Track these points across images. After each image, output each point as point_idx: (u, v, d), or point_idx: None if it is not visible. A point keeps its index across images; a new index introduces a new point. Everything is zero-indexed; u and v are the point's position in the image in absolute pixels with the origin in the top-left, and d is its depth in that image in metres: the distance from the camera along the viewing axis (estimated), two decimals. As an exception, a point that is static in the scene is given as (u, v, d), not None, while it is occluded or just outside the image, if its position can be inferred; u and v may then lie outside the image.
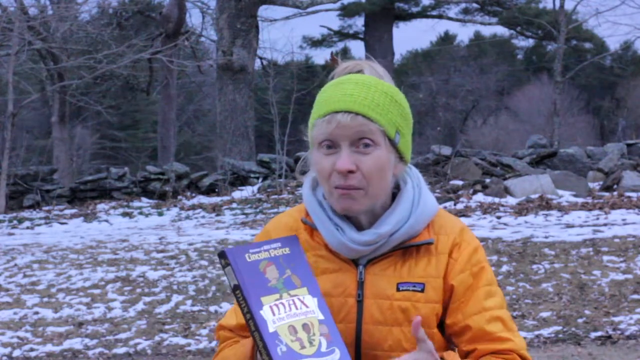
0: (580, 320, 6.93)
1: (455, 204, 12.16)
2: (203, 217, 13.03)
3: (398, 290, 1.87)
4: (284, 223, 1.99)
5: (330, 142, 1.84)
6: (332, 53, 2.04)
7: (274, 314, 1.67)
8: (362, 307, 1.88)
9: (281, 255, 1.74)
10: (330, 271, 1.91)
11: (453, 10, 31.17)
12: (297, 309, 1.69)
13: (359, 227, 1.90)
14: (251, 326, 1.67)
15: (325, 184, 1.87)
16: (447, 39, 39.21)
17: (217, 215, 13.06)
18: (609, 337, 6.56)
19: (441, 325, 1.92)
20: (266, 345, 1.63)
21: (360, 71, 1.93)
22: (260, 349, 1.65)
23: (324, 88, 1.92)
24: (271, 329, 1.65)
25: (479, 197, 12.54)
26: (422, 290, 1.88)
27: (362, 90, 1.84)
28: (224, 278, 8.53)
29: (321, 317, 1.70)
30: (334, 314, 1.88)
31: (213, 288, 8.24)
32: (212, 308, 7.72)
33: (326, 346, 1.67)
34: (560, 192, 12.54)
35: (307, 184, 1.98)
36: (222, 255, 1.70)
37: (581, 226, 10.17)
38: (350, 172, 1.82)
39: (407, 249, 1.90)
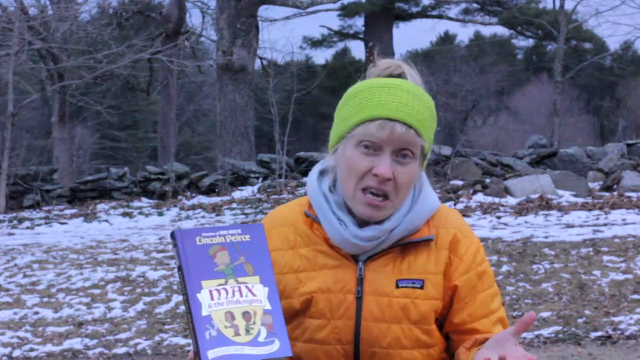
0: (580, 320, 6.93)
1: (455, 204, 12.16)
2: (203, 217, 13.03)
3: (397, 287, 1.87)
4: (282, 216, 1.99)
5: (372, 143, 1.83)
6: (370, 46, 2.05)
7: (212, 299, 1.63)
8: (362, 303, 1.87)
9: (239, 242, 1.69)
10: (329, 267, 1.90)
11: (453, 10, 31.18)
12: (241, 296, 1.65)
13: (361, 222, 1.90)
14: (186, 307, 1.64)
15: (353, 182, 1.86)
16: (447, 39, 39.20)
17: (217, 215, 13.06)
18: (609, 337, 6.56)
19: (437, 322, 1.92)
20: (194, 327, 1.61)
21: (401, 74, 1.92)
22: (190, 331, 1.63)
23: (368, 85, 1.89)
24: (204, 313, 1.62)
25: (479, 197, 12.54)
26: (422, 287, 1.88)
27: (415, 102, 1.85)
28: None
29: (268, 307, 1.66)
30: (333, 310, 1.88)
31: (213, 288, 8.24)
32: (212, 308, 7.72)
33: (265, 336, 1.63)
34: (560, 192, 12.54)
35: (313, 176, 1.97)
36: (172, 235, 1.68)
37: (581, 226, 10.18)
38: (388, 179, 1.83)
39: (407, 245, 1.90)
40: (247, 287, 1.66)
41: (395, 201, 1.86)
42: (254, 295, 1.66)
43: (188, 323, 1.64)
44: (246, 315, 1.64)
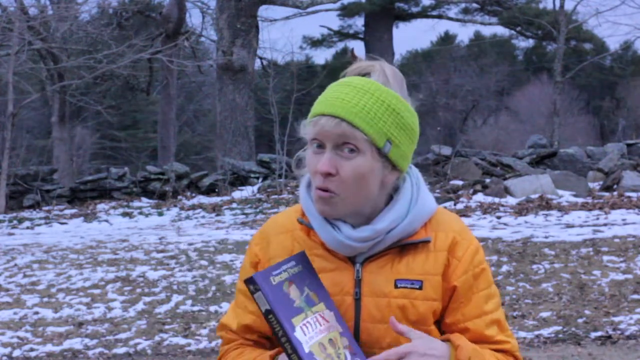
0: (580, 320, 6.93)
1: (455, 204, 12.16)
2: (203, 217, 13.03)
3: (396, 287, 1.87)
4: (280, 224, 2.00)
5: (316, 141, 1.85)
6: (352, 50, 2.05)
7: (305, 334, 1.71)
8: (360, 305, 1.88)
9: (297, 273, 1.78)
10: (327, 270, 1.90)
11: (453, 10, 31.18)
12: (320, 325, 1.74)
13: (356, 225, 1.89)
14: (288, 349, 1.71)
15: (312, 182, 1.88)
16: (447, 39, 39.22)
17: (217, 215, 13.06)
18: (609, 337, 6.56)
19: (436, 322, 1.92)
20: None
21: (368, 74, 1.91)
22: None
23: (328, 86, 1.92)
24: (307, 350, 1.70)
25: (479, 197, 12.54)
26: (420, 288, 1.88)
27: (356, 95, 1.83)
28: (224, 278, 8.54)
29: (340, 329, 1.76)
30: None
31: (213, 288, 8.25)
32: (212, 308, 7.73)
33: (350, 358, 1.73)
34: (560, 192, 12.54)
35: (303, 183, 1.98)
36: (250, 281, 1.73)
37: (581, 226, 10.18)
38: (329, 174, 1.82)
39: (404, 246, 1.90)
40: (320, 315, 1.76)
41: (346, 197, 1.84)
42: (327, 321, 1.76)
43: None
44: (331, 342, 1.74)
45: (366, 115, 1.82)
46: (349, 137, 1.81)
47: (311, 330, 1.72)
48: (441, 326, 1.93)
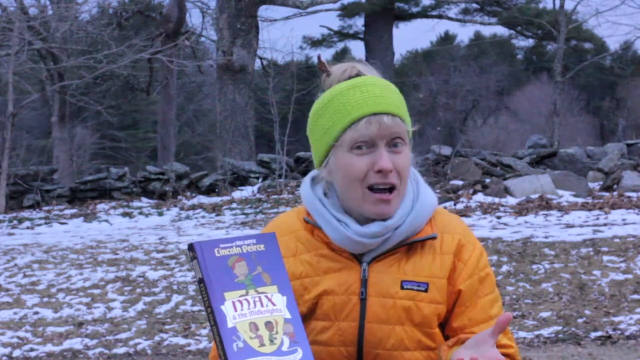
0: (580, 320, 6.93)
1: (455, 204, 12.16)
2: (203, 217, 13.03)
3: (402, 288, 1.88)
4: (285, 223, 1.99)
5: (365, 142, 1.85)
6: (319, 57, 2.03)
7: (235, 310, 1.65)
8: (366, 305, 1.88)
9: (254, 252, 1.71)
10: (333, 270, 1.90)
11: (453, 11, 31.16)
12: (262, 306, 1.67)
13: (363, 222, 1.90)
14: (210, 320, 1.66)
15: (358, 186, 1.86)
16: (447, 39, 39.19)
17: (217, 215, 13.05)
18: (609, 337, 6.56)
19: (440, 325, 1.92)
20: (222, 340, 1.62)
21: (357, 73, 1.93)
22: (217, 343, 1.64)
23: (336, 92, 1.90)
24: (230, 324, 1.63)
25: (479, 197, 12.54)
26: (426, 290, 1.88)
27: (385, 91, 1.89)
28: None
29: (288, 315, 1.68)
30: (337, 312, 1.88)
31: (213, 288, 8.24)
32: (212, 308, 7.72)
33: (288, 345, 1.65)
34: (560, 192, 12.54)
35: (306, 184, 1.97)
36: (190, 248, 1.69)
37: (581, 226, 10.17)
38: (391, 171, 1.85)
39: (411, 245, 1.90)
40: (267, 297, 1.69)
41: (401, 189, 1.88)
42: (274, 304, 1.68)
43: (213, 335, 1.66)
44: (268, 325, 1.66)
45: (401, 108, 1.90)
46: (399, 132, 1.87)
47: (246, 308, 1.65)
48: (446, 329, 1.93)
